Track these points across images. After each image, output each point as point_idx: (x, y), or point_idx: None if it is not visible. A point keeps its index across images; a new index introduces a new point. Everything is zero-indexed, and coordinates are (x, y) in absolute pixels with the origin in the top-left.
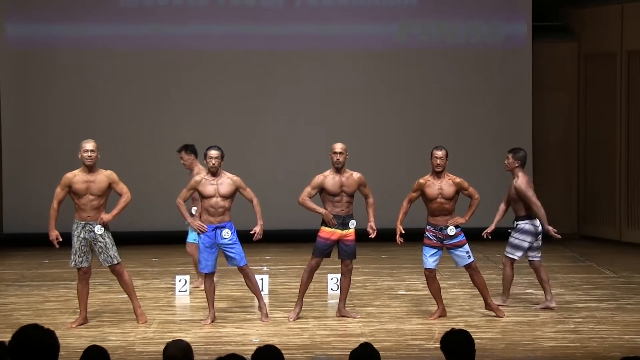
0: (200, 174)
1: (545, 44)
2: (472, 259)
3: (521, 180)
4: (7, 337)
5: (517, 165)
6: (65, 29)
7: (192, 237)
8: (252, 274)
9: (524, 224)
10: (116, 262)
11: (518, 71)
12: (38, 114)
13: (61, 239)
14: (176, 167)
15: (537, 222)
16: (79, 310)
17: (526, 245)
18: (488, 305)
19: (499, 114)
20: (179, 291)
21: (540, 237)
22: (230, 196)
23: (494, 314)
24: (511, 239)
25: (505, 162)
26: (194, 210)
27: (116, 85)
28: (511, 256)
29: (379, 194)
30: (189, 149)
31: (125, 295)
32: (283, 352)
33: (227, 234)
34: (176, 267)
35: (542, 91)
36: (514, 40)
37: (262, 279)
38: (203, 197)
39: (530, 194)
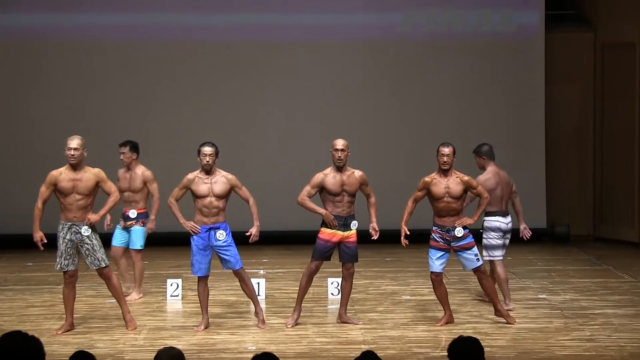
0: (193, 172)
1: (559, 33)
2: (481, 262)
3: (483, 177)
4: None
5: (484, 161)
6: (53, 18)
7: (118, 240)
8: (248, 277)
9: (487, 221)
10: (104, 265)
11: (530, 62)
12: (23, 108)
13: (46, 241)
14: (168, 163)
15: (506, 219)
16: (64, 316)
17: (495, 242)
18: (498, 311)
19: (509, 108)
20: (171, 296)
21: (507, 235)
22: (225, 196)
23: (504, 320)
24: (483, 240)
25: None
26: (132, 213)
27: (107, 78)
28: (488, 258)
29: (381, 193)
30: (134, 147)
31: (114, 300)
32: None
33: (221, 235)
34: (168, 271)
35: (556, 83)
36: (526, 30)
37: (258, 283)
38: (196, 196)
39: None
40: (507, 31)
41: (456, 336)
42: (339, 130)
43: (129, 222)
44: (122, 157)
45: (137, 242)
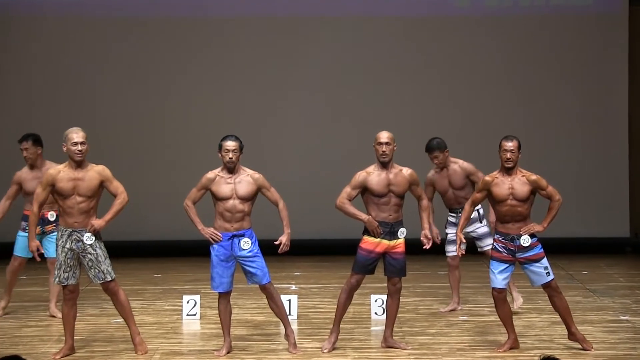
0: (214, 170)
1: None
2: (551, 277)
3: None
4: None
5: (447, 155)
6: None
7: (19, 249)
8: (278, 294)
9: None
10: (110, 278)
11: (611, 41)
12: (14, 98)
13: (42, 250)
14: (183, 162)
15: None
16: (64, 338)
17: (454, 237)
18: (572, 335)
19: (585, 96)
20: (187, 315)
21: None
22: (251, 198)
23: (579, 345)
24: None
25: (436, 161)
26: (51, 215)
27: (111, 62)
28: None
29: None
30: (37, 140)
31: (121, 320)
32: None
33: (246, 244)
34: (183, 286)
35: None
36: (606, 3)
37: (289, 300)
38: (217, 198)
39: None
40: (582, 4)
41: None
42: (383, 121)
43: (48, 227)
44: (24, 153)
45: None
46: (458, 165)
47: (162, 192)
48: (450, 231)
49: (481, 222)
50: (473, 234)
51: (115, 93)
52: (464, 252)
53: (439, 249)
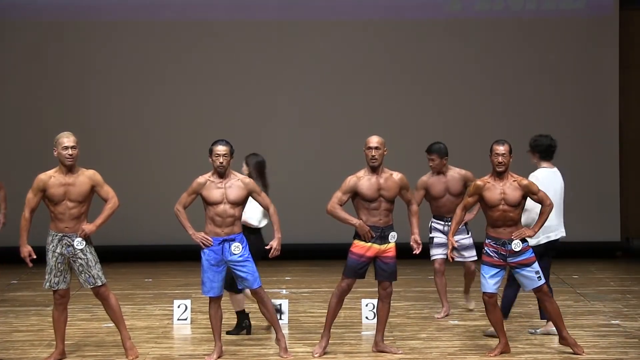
0: (204, 175)
1: (637, 11)
2: (542, 281)
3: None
4: None
5: (445, 162)
6: None
7: None
8: (269, 298)
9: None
10: (100, 283)
11: (602, 45)
12: (6, 104)
13: (34, 256)
14: (174, 166)
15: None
16: (54, 343)
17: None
18: (563, 339)
19: (576, 100)
20: (178, 319)
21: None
22: (241, 202)
23: (570, 350)
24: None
25: (431, 164)
26: None
27: (101, 65)
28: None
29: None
30: None
31: (112, 324)
32: None
33: (237, 248)
34: (174, 290)
35: (632, 69)
36: (597, 7)
37: (280, 305)
38: (208, 203)
39: None
40: (574, 8)
41: None
42: (374, 125)
43: None
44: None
45: None
46: (456, 172)
47: (152, 197)
48: (436, 235)
49: (468, 234)
50: (457, 243)
51: (105, 97)
52: (456, 257)
53: (427, 254)
